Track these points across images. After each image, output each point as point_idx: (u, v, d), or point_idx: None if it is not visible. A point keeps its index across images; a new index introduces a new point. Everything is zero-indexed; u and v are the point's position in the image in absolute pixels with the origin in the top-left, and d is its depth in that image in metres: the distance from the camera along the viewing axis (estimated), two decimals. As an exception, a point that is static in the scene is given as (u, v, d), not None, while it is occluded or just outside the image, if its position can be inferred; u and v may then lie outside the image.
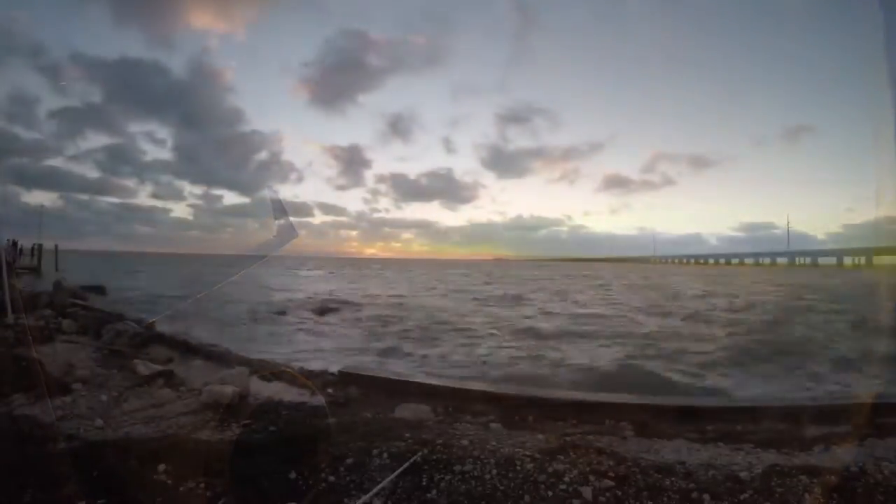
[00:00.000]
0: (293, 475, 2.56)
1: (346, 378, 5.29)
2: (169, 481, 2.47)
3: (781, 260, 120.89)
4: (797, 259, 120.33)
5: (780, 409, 4.20)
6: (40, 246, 26.90)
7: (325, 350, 9.28)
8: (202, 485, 2.45)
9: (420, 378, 5.70)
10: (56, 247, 29.74)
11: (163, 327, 7.84)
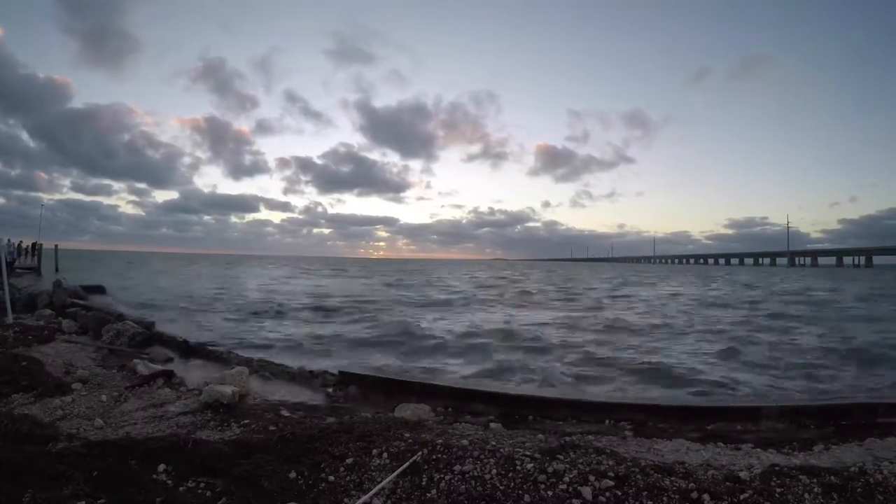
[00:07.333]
0: (293, 475, 2.56)
1: (346, 378, 5.30)
2: (169, 481, 2.47)
3: (781, 261, 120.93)
4: (797, 259, 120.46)
5: (780, 409, 4.21)
6: (40, 245, 26.85)
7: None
8: (202, 485, 2.45)
9: (420, 378, 5.70)
10: (56, 246, 29.73)
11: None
